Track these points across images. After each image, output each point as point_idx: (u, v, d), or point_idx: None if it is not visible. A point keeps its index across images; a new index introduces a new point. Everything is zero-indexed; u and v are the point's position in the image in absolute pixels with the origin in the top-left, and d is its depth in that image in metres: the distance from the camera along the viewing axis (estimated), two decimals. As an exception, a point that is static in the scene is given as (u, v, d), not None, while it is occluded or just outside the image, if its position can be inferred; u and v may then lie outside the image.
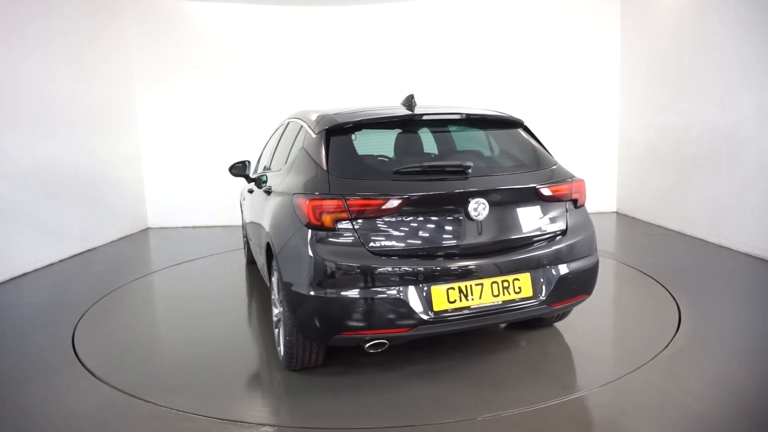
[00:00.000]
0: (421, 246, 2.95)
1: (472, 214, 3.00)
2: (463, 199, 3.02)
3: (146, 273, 5.88)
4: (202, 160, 8.52)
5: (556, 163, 3.50)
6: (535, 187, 3.21)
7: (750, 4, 5.65)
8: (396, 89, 8.45)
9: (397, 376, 3.27)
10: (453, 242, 3.00)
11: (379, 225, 2.93)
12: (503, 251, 3.08)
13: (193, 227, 8.55)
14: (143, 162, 8.45)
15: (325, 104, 7.89)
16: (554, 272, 3.16)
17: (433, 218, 3.00)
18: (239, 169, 4.70)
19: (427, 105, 3.80)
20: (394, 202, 2.92)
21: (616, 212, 8.51)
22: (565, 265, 3.20)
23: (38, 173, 6.15)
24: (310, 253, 2.89)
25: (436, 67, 8.49)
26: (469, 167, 3.11)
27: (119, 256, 6.79)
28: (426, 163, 3.15)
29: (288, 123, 4.45)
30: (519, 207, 3.18)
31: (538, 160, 3.47)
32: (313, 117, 3.60)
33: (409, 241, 2.95)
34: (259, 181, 4.32)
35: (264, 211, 3.76)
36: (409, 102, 3.56)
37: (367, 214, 2.91)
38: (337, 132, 3.30)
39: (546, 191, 3.24)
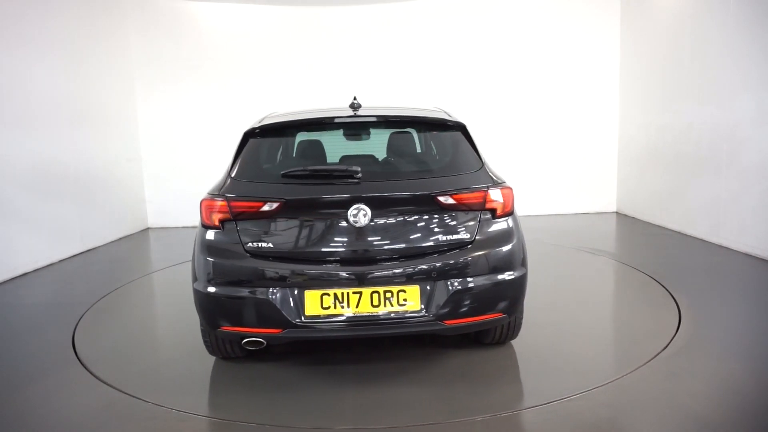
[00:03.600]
0: (297, 249, 2.98)
1: (352, 220, 2.94)
2: (343, 205, 2.96)
3: (146, 273, 5.88)
4: (202, 160, 8.51)
5: (479, 169, 3.24)
6: (430, 194, 3.02)
7: (749, 5, 5.65)
8: (396, 89, 8.47)
9: (384, 373, 3.28)
10: (331, 248, 2.97)
11: (258, 227, 3.00)
12: (388, 260, 2.97)
13: (193, 227, 8.54)
14: (143, 162, 8.44)
15: (322, 104, 7.89)
16: (450, 287, 2.96)
17: (313, 223, 3.00)
18: None
19: (372, 107, 3.77)
20: (272, 205, 2.97)
21: (616, 212, 8.51)
22: (466, 280, 2.97)
23: (38, 173, 6.14)
24: (199, 251, 3.09)
25: (435, 67, 8.49)
26: (356, 172, 3.05)
27: (119, 256, 6.78)
28: (310, 167, 3.19)
29: None
30: (412, 215, 3.02)
31: (457, 165, 3.26)
32: None
33: (285, 244, 2.99)
34: None
35: None
36: (352, 104, 3.59)
37: (248, 216, 3.00)
38: (254, 135, 3.37)
39: (446, 199, 3.03)
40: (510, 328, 3.46)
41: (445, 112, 3.71)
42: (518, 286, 3.13)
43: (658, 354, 3.44)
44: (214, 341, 3.35)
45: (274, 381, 3.27)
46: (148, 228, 8.52)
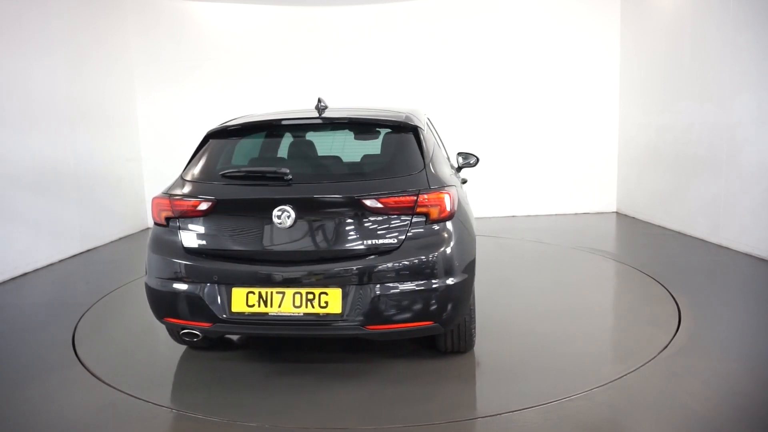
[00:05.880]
0: (226, 248, 3.08)
1: (276, 221, 2.96)
2: (269, 206, 2.99)
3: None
4: (202, 160, 8.51)
5: (418, 172, 3.13)
6: (354, 197, 2.97)
7: (749, 5, 5.65)
8: (396, 89, 8.46)
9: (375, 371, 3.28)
10: (257, 248, 3.04)
11: (195, 225, 3.13)
12: (310, 262, 2.99)
13: (193, 227, 8.53)
14: (143, 162, 8.44)
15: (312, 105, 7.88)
16: (372, 292, 2.91)
17: (242, 223, 3.10)
18: None
19: (337, 109, 3.77)
20: (205, 204, 3.10)
21: (616, 212, 8.52)
22: (388, 286, 2.91)
23: (38, 173, 6.14)
24: (148, 247, 3.27)
25: (435, 67, 8.48)
26: (286, 174, 3.07)
27: (119, 256, 6.78)
28: (244, 169, 3.29)
29: None
30: (338, 218, 3.00)
31: (398, 167, 3.19)
32: None
33: (216, 242, 3.10)
34: None
35: None
36: (317, 105, 3.64)
37: (187, 214, 3.14)
38: (215, 136, 3.52)
39: (373, 203, 2.96)
40: (460, 337, 3.37)
41: (409, 114, 3.59)
42: (451, 294, 2.98)
43: (658, 354, 3.44)
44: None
45: (274, 380, 3.27)
46: (149, 228, 8.52)
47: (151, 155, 8.45)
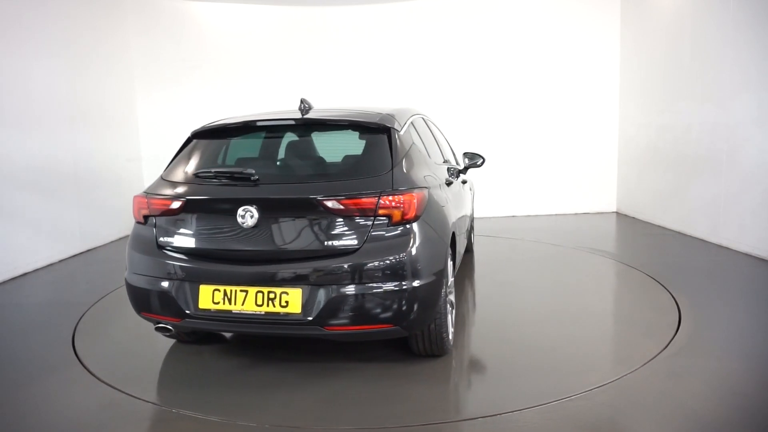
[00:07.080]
0: (194, 246, 3.17)
1: (239, 221, 3.03)
2: (233, 206, 3.05)
3: (146, 273, 5.87)
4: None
5: (385, 173, 3.10)
6: (315, 199, 2.97)
7: (749, 5, 5.65)
8: (395, 89, 8.47)
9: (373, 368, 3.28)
10: (222, 246, 3.12)
11: (169, 223, 3.24)
12: (272, 262, 3.02)
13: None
14: (143, 162, 8.44)
15: (321, 104, 7.88)
16: (330, 293, 2.92)
17: (210, 222, 3.17)
18: None
19: (319, 109, 3.79)
20: (176, 204, 3.19)
21: (616, 212, 8.52)
22: (347, 287, 2.92)
23: (38, 173, 6.14)
24: (128, 244, 3.39)
25: (435, 67, 8.49)
26: (251, 174, 3.11)
27: (119, 256, 6.76)
28: (214, 170, 3.33)
29: None
30: (300, 219, 3.01)
31: (366, 168, 3.18)
32: None
33: (186, 240, 3.19)
34: None
35: None
36: (301, 106, 3.68)
37: (162, 213, 3.24)
38: (197, 136, 3.59)
39: (334, 204, 2.95)
40: (431, 342, 3.30)
41: (387, 114, 3.53)
42: (414, 297, 2.95)
43: (658, 354, 3.44)
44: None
45: (274, 379, 3.27)
46: (148, 228, 8.51)
47: (151, 155, 8.45)
